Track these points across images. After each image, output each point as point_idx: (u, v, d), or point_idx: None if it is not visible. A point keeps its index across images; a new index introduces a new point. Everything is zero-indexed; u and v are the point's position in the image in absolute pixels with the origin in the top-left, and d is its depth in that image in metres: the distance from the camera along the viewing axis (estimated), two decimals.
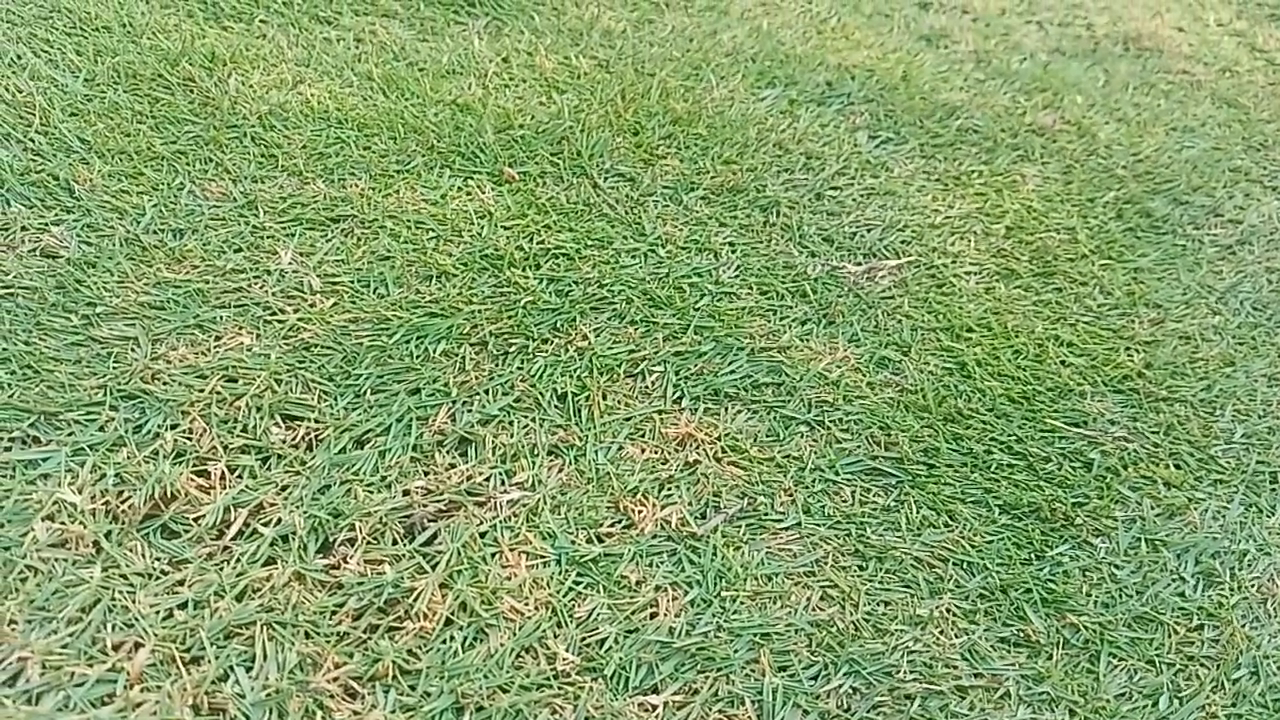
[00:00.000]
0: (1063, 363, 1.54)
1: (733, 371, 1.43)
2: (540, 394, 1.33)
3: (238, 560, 1.08)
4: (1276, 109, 2.21)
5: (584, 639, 1.08)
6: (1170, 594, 1.25)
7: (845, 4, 2.28)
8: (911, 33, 2.23)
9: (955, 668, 1.13)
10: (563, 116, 1.79)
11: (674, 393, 1.38)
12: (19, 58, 1.66)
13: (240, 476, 1.16)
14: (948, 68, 2.14)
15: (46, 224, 1.39)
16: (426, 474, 1.20)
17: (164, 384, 1.24)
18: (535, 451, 1.26)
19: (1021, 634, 1.18)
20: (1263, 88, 2.27)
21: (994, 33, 2.26)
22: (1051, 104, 2.08)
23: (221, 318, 1.33)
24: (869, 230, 1.73)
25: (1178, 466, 1.41)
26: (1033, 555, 1.27)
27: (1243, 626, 1.23)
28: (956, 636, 1.16)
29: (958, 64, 2.15)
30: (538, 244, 1.54)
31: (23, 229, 1.38)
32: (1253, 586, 1.28)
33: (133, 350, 1.27)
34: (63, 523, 1.08)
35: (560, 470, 1.24)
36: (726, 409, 1.38)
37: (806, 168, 1.82)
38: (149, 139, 1.56)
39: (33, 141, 1.51)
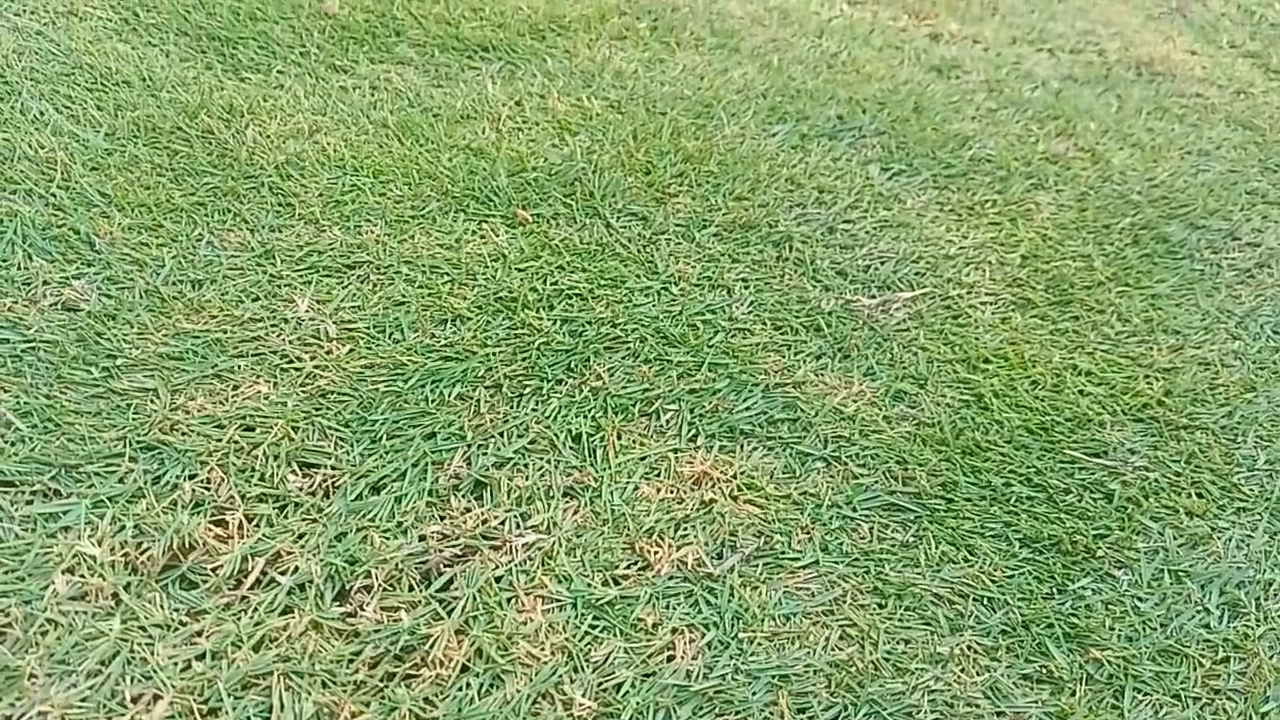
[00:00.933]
0: (1081, 392, 1.53)
1: (748, 408, 1.43)
2: (555, 435, 1.33)
3: (255, 610, 1.09)
4: None
5: (600, 684, 1.07)
6: (1195, 626, 1.23)
7: (856, 38, 2.29)
8: (922, 64, 2.24)
9: (977, 706, 1.12)
10: (575, 158, 1.81)
11: (689, 431, 1.38)
12: (41, 114, 1.70)
13: (258, 525, 1.17)
14: (959, 98, 2.14)
15: (68, 278, 1.42)
16: (442, 519, 1.21)
17: (183, 434, 1.25)
18: (550, 494, 1.26)
19: (1044, 670, 1.16)
20: (1278, 109, 2.26)
21: (1005, 62, 2.26)
22: (1064, 131, 2.07)
23: (239, 367, 1.34)
24: (883, 263, 1.73)
25: (1200, 495, 1.40)
26: (1054, 589, 1.25)
27: (1270, 658, 1.20)
28: (978, 674, 1.15)
29: (969, 94, 2.16)
30: (551, 285, 1.55)
31: (44, 283, 1.40)
32: (1279, 617, 1.26)
33: (152, 401, 1.29)
34: (83, 575, 1.09)
35: (576, 512, 1.25)
36: (742, 446, 1.38)
37: (819, 202, 1.83)
38: (168, 191, 1.59)
39: (54, 196, 1.54)
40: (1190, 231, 1.88)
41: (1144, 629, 1.22)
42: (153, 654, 1.03)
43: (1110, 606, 1.24)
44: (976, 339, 1.60)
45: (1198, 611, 1.25)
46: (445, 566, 1.16)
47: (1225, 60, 2.43)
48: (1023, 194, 1.91)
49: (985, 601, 1.23)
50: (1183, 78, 2.31)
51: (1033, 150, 2.01)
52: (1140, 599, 1.26)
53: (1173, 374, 1.57)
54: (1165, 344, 1.63)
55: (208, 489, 1.19)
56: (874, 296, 1.67)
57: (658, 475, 1.32)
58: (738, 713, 1.07)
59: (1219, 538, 1.34)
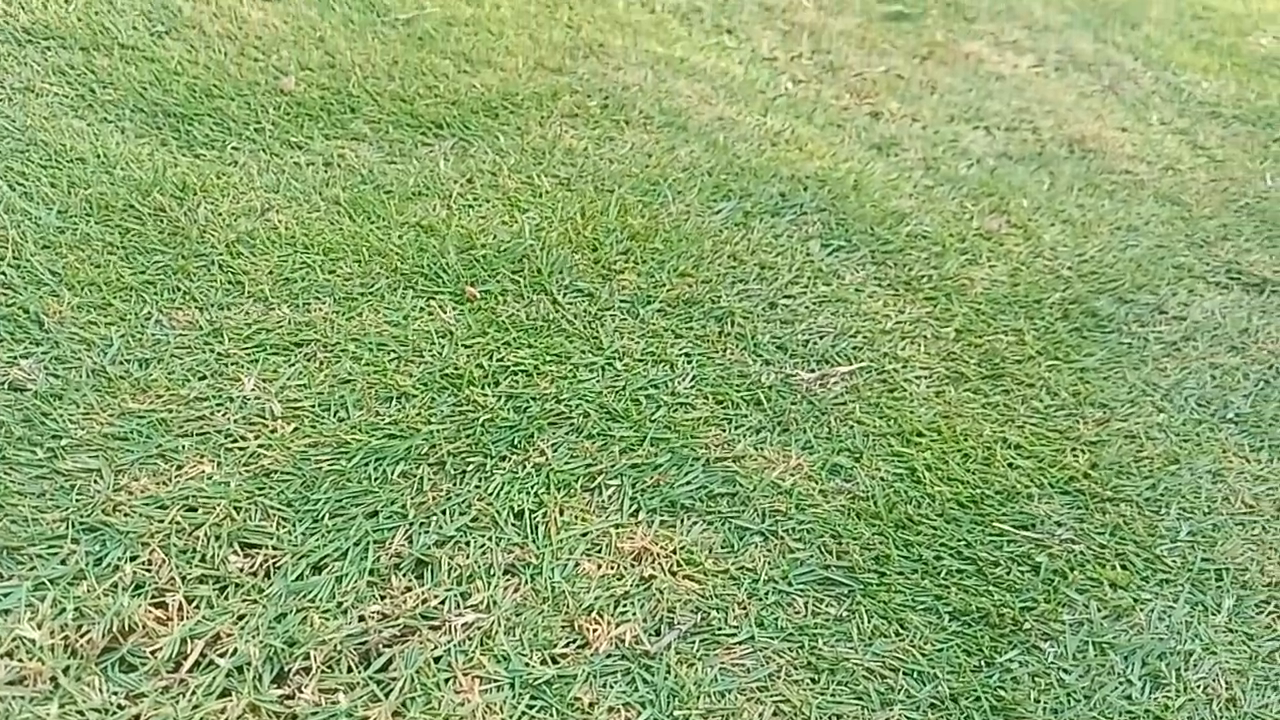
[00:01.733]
0: (1010, 465, 1.58)
1: (689, 483, 1.47)
2: (497, 512, 1.35)
3: (193, 693, 1.09)
4: (1217, 205, 2.29)
5: None
6: (1118, 698, 1.27)
7: (799, 116, 2.37)
8: (863, 142, 2.32)
9: None
10: (524, 235, 1.86)
11: (630, 506, 1.41)
12: None
13: (198, 607, 1.18)
14: (898, 175, 2.22)
15: (15, 357, 1.43)
16: (383, 598, 1.23)
17: (125, 515, 1.26)
18: (491, 572, 1.28)
19: None
20: (1204, 184, 2.36)
21: (942, 139, 2.35)
22: (998, 208, 2.15)
23: (184, 447, 1.36)
24: (822, 337, 1.78)
25: (1124, 567, 1.44)
26: (982, 662, 1.29)
27: None
28: None
29: (907, 171, 2.24)
30: (497, 361, 1.58)
31: None
32: (1199, 687, 1.30)
33: (96, 482, 1.30)
34: (21, 659, 1.10)
35: (516, 590, 1.27)
36: (682, 521, 1.41)
37: (760, 278, 1.88)
38: (119, 270, 1.61)
39: (4, 275, 1.56)
40: (1119, 306, 1.95)
41: (1069, 701, 1.26)
42: None
43: (1036, 679, 1.28)
44: (911, 412, 1.65)
45: (1120, 683, 1.29)
46: (384, 647, 1.17)
47: (1155, 137, 2.53)
48: (957, 269, 1.98)
49: (916, 675, 1.26)
50: (1113, 155, 2.41)
51: (967, 227, 2.09)
52: (1065, 671, 1.29)
53: (1099, 447, 1.63)
54: (1092, 417, 1.69)
55: (149, 570, 1.20)
56: (813, 370, 1.71)
57: (599, 551, 1.34)
58: None
59: (1142, 609, 1.39)
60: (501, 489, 1.39)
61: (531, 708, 1.14)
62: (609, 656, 1.21)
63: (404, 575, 1.26)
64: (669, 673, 1.21)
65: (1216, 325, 1.94)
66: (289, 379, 1.49)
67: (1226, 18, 3.33)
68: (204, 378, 1.47)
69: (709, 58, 2.57)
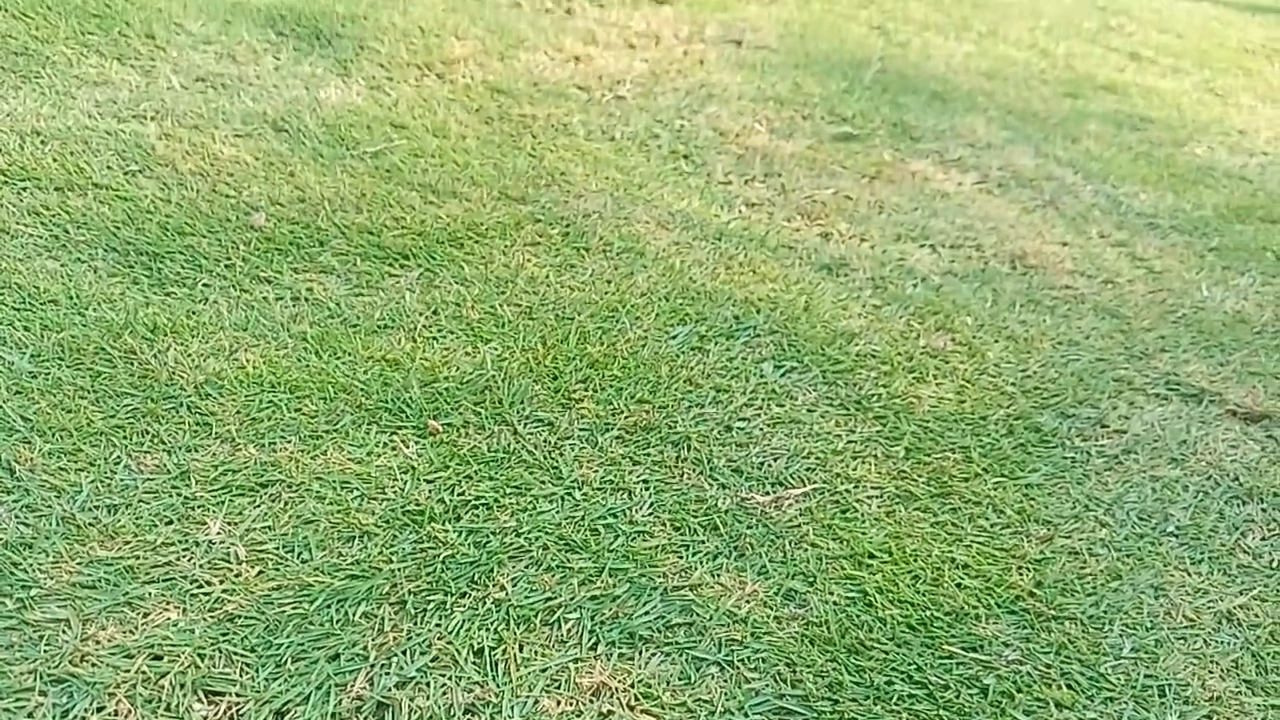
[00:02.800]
0: (959, 585, 1.63)
1: (647, 613, 1.51)
2: (457, 651, 1.39)
3: None
4: (1156, 317, 2.39)
5: None
6: None
7: (753, 240, 2.47)
8: (813, 263, 2.41)
9: None
10: (486, 366, 1.92)
11: (589, 639, 1.45)
12: None
13: None
14: (847, 295, 2.31)
15: None
16: None
17: (92, 665, 1.29)
18: (452, 712, 1.31)
19: None
20: (1142, 296, 2.47)
21: (890, 259, 2.45)
22: (944, 326, 2.24)
23: (150, 594, 1.39)
24: (776, 459, 1.84)
25: (1069, 686, 1.48)
26: None
27: None
28: None
29: (856, 291, 2.33)
30: (458, 496, 1.63)
31: None
32: None
33: (64, 632, 1.33)
34: None
35: None
36: (640, 653, 1.45)
37: (715, 401, 1.95)
38: (89, 414, 1.66)
39: None
40: (1061, 421, 2.03)
41: None
42: None
43: None
44: (863, 533, 1.71)
45: None
46: None
47: (1094, 250, 2.65)
48: (906, 388, 2.05)
49: None
50: (1054, 270, 2.51)
51: (915, 345, 2.17)
52: None
53: (1043, 565, 1.68)
54: (1037, 534, 1.75)
55: None
56: (768, 493, 1.77)
57: (558, 687, 1.38)
58: None
59: None
60: (461, 627, 1.42)
61: None
62: None
63: (365, 719, 1.28)
64: None
65: (1156, 438, 2.01)
66: (254, 521, 1.53)
67: (1163, 129, 3.50)
68: (170, 522, 1.51)
69: (666, 184, 2.68)
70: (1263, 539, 1.82)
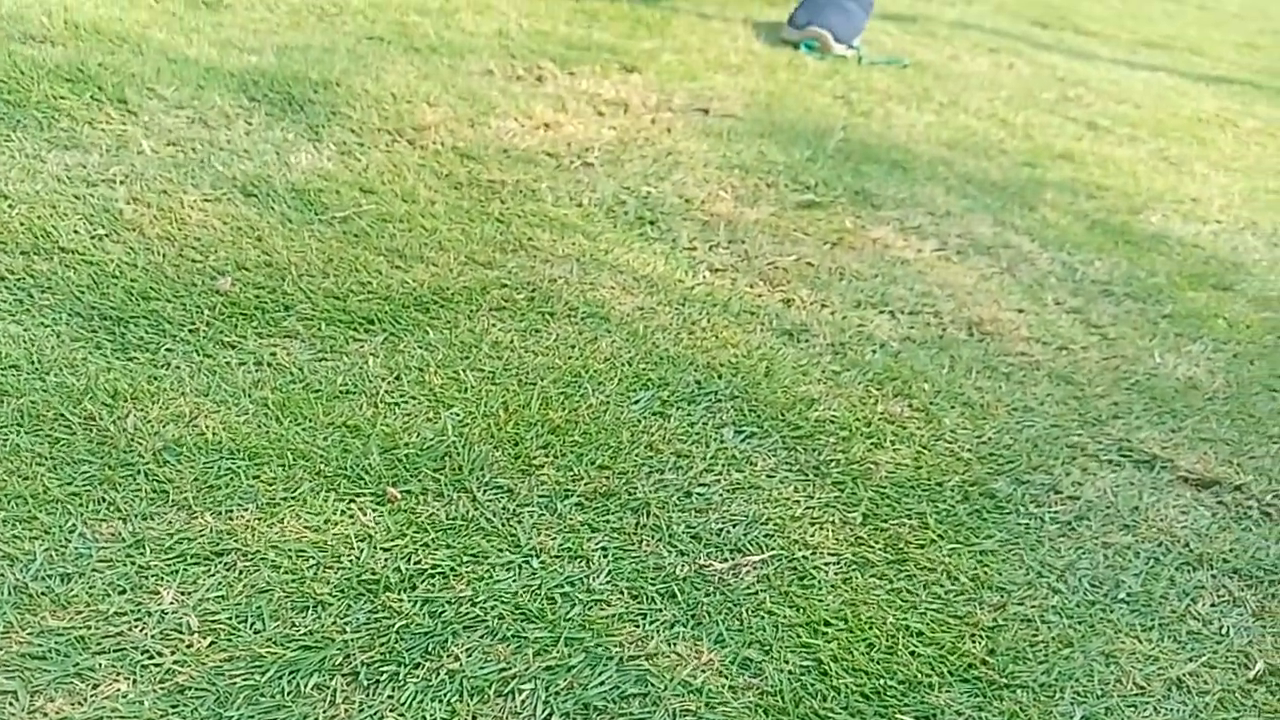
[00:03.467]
0: (913, 653, 1.64)
1: (602, 683, 1.51)
2: None
3: None
4: (1109, 383, 2.44)
5: None
6: None
7: (716, 305, 2.51)
8: (775, 329, 2.45)
9: None
10: (447, 432, 1.93)
11: (544, 711, 1.45)
12: None
13: None
14: (807, 361, 2.35)
15: None
16: None
17: None
18: None
19: None
20: (1096, 363, 2.51)
21: (850, 325, 2.49)
22: (901, 392, 2.28)
23: (100, 665, 1.38)
24: (735, 525, 1.86)
25: None
26: None
27: None
28: None
29: (817, 357, 2.37)
30: (414, 564, 1.64)
31: None
32: None
33: (11, 704, 1.32)
34: None
35: None
36: None
37: (676, 467, 1.97)
38: (46, 482, 1.66)
39: None
40: (1016, 487, 2.06)
41: None
42: None
43: None
44: (820, 601, 1.72)
45: None
46: None
47: (1050, 317, 2.70)
48: (864, 454, 2.08)
49: None
50: (1010, 336, 2.56)
51: (873, 411, 2.20)
52: None
53: (996, 632, 1.70)
54: (990, 601, 1.77)
55: None
56: (726, 560, 1.78)
57: None
58: None
59: None
60: (414, 699, 1.42)
61: None
62: None
63: None
64: None
65: (1109, 504, 2.05)
66: (208, 590, 1.52)
67: (1119, 196, 3.59)
68: (124, 592, 1.50)
69: (632, 249, 2.72)
70: (1212, 605, 1.84)
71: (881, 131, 3.72)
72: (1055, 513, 2.01)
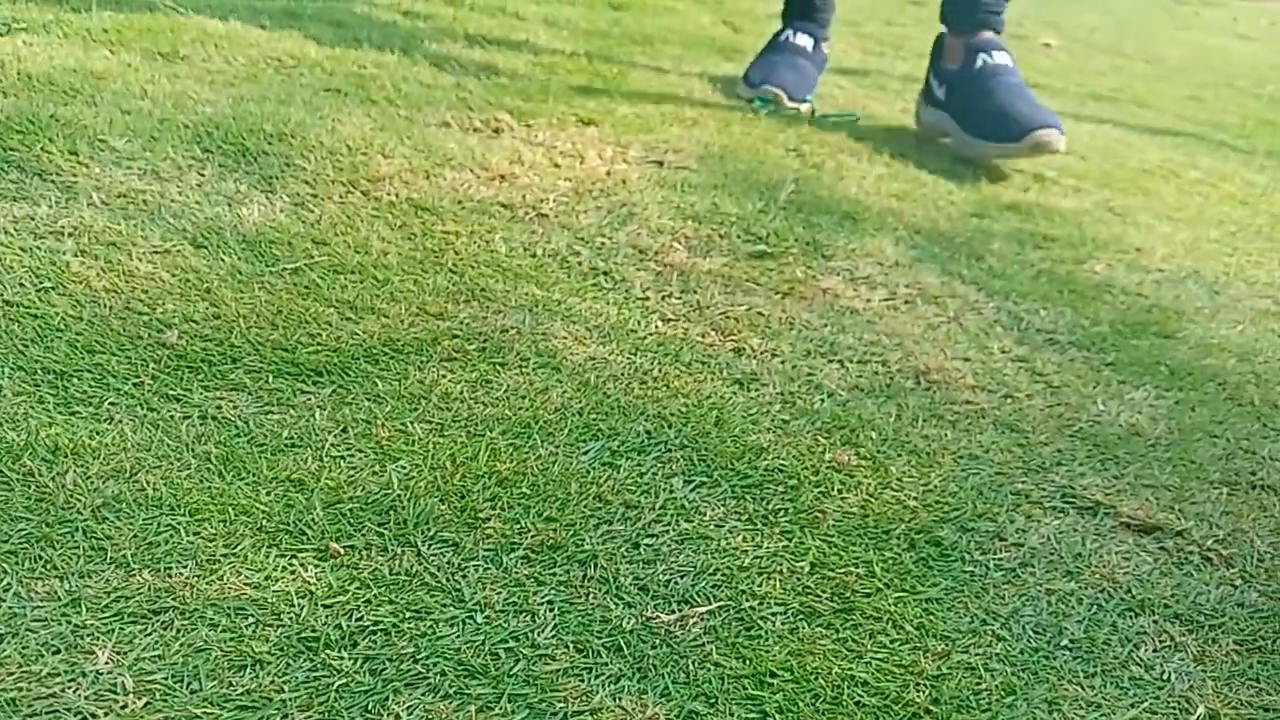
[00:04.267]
0: (858, 703, 1.64)
1: None
2: None
3: None
4: (1053, 430, 2.48)
5: None
6: None
7: (668, 354, 2.53)
8: (725, 378, 2.47)
9: None
10: (392, 486, 1.93)
11: None
12: None
13: None
14: (757, 410, 2.37)
15: None
16: None
17: None
18: None
19: None
20: (1041, 411, 2.55)
21: (799, 374, 2.52)
22: (849, 440, 2.30)
23: None
24: (683, 576, 1.86)
25: None
26: None
27: None
28: None
29: (766, 406, 2.39)
30: (356, 621, 1.62)
31: None
32: None
33: None
34: None
35: None
36: None
37: (624, 518, 1.97)
38: None
39: None
40: (961, 534, 2.08)
41: None
42: None
43: None
44: (766, 652, 1.72)
45: None
46: None
47: (996, 365, 2.75)
48: (812, 502, 2.09)
49: None
50: (956, 385, 2.60)
51: (821, 459, 2.22)
52: None
53: (940, 681, 1.71)
54: (935, 650, 1.78)
55: None
56: (673, 612, 1.78)
57: None
58: None
59: None
60: None
61: None
62: None
63: None
64: None
65: (1053, 550, 2.07)
66: (144, 650, 1.50)
67: (1065, 246, 3.67)
68: (58, 651, 1.48)
69: (585, 299, 2.74)
70: (1154, 651, 1.86)
71: (833, 183, 3.79)
72: (1000, 560, 2.03)
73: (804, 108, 4.59)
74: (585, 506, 1.98)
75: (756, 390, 2.46)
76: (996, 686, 1.72)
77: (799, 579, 1.90)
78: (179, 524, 1.74)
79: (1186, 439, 2.54)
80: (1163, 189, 4.57)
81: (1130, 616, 1.94)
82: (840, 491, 2.15)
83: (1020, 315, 3.07)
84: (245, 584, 1.65)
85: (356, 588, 1.68)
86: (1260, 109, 7.03)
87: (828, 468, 2.21)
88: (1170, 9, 12.33)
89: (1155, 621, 1.94)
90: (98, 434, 1.93)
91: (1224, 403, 2.74)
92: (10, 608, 1.53)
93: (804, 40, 4.76)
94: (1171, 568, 2.09)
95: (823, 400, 2.45)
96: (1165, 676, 1.81)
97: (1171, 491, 2.32)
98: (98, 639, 1.51)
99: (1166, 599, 1.99)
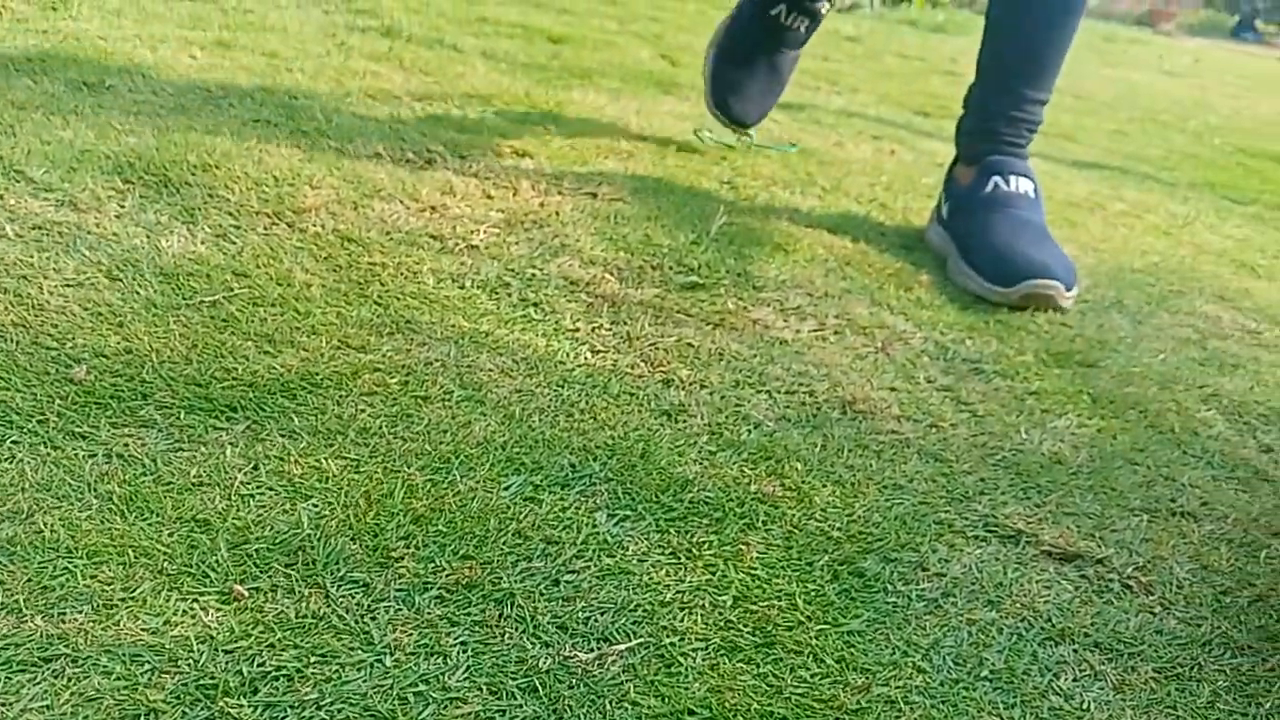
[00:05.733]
0: None
1: None
2: None
3: None
4: (977, 460, 2.49)
5: None
6: None
7: (595, 386, 2.51)
8: (653, 410, 2.45)
9: None
10: (302, 525, 1.88)
11: None
12: None
13: None
14: (684, 441, 2.35)
15: None
16: None
17: None
18: None
19: None
20: (965, 440, 2.57)
21: (727, 404, 2.51)
22: (775, 471, 2.29)
23: None
24: (603, 613, 1.83)
25: None
26: None
27: None
28: None
29: (693, 437, 2.37)
30: (258, 667, 1.57)
31: None
32: None
33: None
34: None
35: None
36: None
37: (544, 554, 1.94)
38: None
39: None
40: (884, 565, 2.07)
41: None
42: None
43: None
44: (685, 689, 1.69)
45: None
46: None
47: (921, 395, 2.76)
48: (736, 534, 2.08)
49: None
50: (882, 415, 2.61)
51: (746, 491, 2.21)
52: None
53: (859, 715, 1.69)
54: (855, 684, 1.76)
55: None
56: (591, 650, 1.75)
57: None
58: None
59: None
60: None
61: None
62: None
63: None
64: None
65: (974, 580, 2.07)
66: (31, 700, 1.43)
67: None
68: None
69: (513, 331, 2.71)
70: (1074, 680, 1.86)
71: (765, 215, 3.81)
72: (922, 590, 2.03)
73: (741, 142, 4.62)
74: (504, 543, 1.95)
75: (684, 421, 2.45)
76: (916, 719, 1.71)
77: (721, 613, 1.88)
78: (76, 567, 1.68)
79: (1108, 467, 2.57)
80: (1089, 220, 4.67)
81: (1050, 646, 1.94)
82: (765, 523, 2.13)
83: (947, 345, 3.10)
84: (142, 629, 1.59)
85: (260, 632, 1.63)
86: (1184, 143, 7.24)
87: (753, 499, 2.20)
88: (1099, 47, 12.69)
89: (1075, 650, 1.94)
90: None
91: (1145, 430, 2.78)
92: None
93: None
94: (1092, 596, 2.10)
95: (750, 431, 2.44)
96: (1085, 706, 1.81)
97: (1092, 519, 2.34)
98: None
99: (1086, 627, 2.00)
